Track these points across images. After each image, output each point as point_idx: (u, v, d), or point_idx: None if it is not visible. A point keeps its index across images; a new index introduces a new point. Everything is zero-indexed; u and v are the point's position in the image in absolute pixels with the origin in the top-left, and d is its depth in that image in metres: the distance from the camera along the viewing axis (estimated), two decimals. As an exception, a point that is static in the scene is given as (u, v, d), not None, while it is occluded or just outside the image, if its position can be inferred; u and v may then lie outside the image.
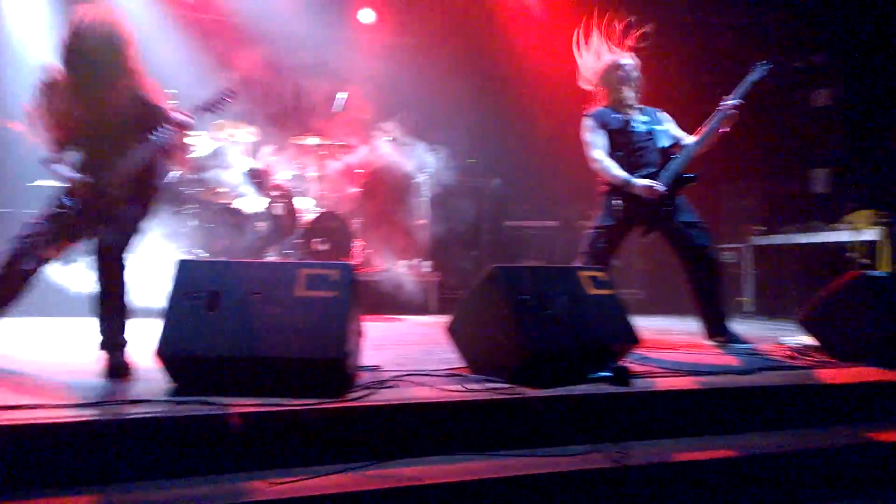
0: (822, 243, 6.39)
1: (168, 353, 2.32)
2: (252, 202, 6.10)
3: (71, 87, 2.97)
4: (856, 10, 7.01)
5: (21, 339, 3.94)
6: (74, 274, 5.43)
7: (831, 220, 6.41)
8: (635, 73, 4.00)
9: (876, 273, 3.41)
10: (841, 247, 6.11)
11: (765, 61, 3.85)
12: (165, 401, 2.16)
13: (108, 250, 2.83)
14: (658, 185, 3.72)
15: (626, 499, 2.06)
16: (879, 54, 6.83)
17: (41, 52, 6.87)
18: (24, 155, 6.36)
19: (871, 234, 5.78)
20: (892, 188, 6.10)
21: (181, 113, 3.11)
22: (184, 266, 2.55)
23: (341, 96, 6.96)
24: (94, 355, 2.73)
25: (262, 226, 6.07)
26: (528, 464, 2.09)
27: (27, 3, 6.85)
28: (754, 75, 3.83)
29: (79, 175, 2.98)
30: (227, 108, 3.42)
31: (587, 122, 4.02)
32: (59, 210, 2.99)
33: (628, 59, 4.01)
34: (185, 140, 3.36)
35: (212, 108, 3.30)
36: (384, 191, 7.44)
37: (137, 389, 2.34)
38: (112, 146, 2.99)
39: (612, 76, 3.99)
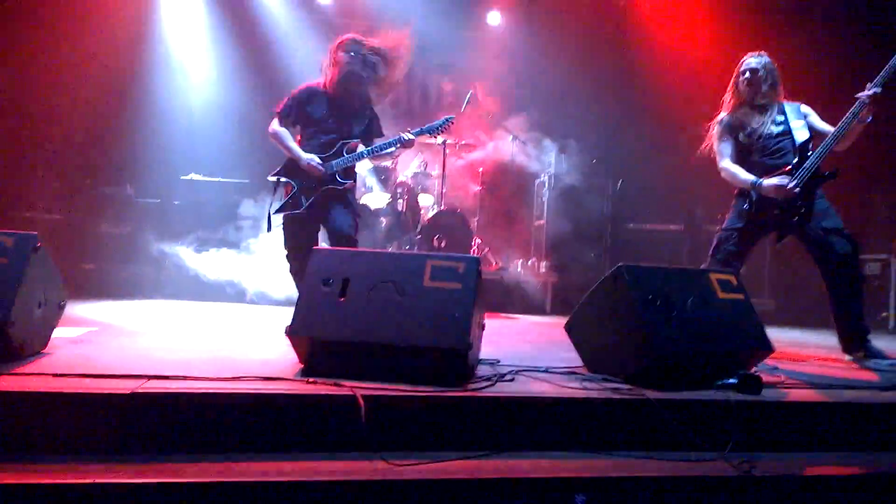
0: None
1: (300, 335, 2.46)
2: (376, 198, 6.37)
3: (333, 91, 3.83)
4: None
5: (167, 319, 4.39)
6: (208, 262, 5.96)
7: None
8: (763, 72, 3.81)
9: None
10: None
11: None
12: (296, 380, 2.29)
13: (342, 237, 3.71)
14: (790, 184, 3.53)
15: (750, 509, 2.00)
16: None
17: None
18: (174, 149, 7.09)
19: None
20: None
21: (407, 130, 3.89)
22: (317, 254, 2.71)
23: (467, 96, 7.08)
24: (235, 336, 2.99)
25: (384, 221, 6.32)
26: (646, 466, 2.08)
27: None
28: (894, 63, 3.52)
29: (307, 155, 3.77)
30: (444, 134, 4.26)
31: (715, 130, 3.93)
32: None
33: (755, 59, 3.83)
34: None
35: (432, 132, 4.06)
36: (505, 189, 7.51)
37: (272, 368, 2.49)
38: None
39: (739, 77, 3.85)
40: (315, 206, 3.77)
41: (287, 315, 2.54)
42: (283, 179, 3.83)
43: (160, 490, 1.75)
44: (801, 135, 3.71)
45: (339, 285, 2.55)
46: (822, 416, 2.39)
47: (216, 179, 6.71)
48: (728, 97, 3.93)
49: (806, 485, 2.07)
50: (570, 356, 2.95)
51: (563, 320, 3.00)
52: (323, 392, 2.16)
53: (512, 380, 2.51)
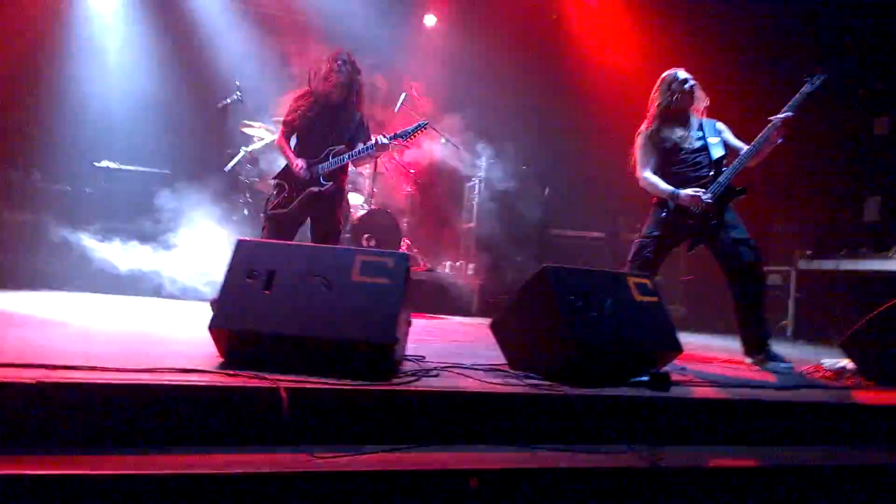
0: (871, 271, 6.28)
1: (221, 327, 2.40)
2: (352, 197, 6.27)
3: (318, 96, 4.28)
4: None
5: (76, 312, 4.18)
6: (122, 253, 5.72)
7: (881, 248, 6.29)
8: (688, 87, 4.03)
9: (924, 300, 3.36)
10: (891, 276, 6.00)
11: (818, 74, 3.82)
12: (216, 371, 2.23)
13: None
14: (704, 195, 3.75)
15: (657, 499, 2.10)
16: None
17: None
18: (88, 135, 6.76)
19: (922, 265, 5.68)
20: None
21: (382, 135, 4.24)
22: (242, 245, 2.63)
23: (402, 96, 7.09)
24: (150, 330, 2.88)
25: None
26: (563, 458, 2.15)
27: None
28: (808, 87, 3.82)
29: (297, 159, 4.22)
30: (416, 139, 4.67)
31: (639, 140, 4.10)
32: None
33: (683, 73, 4.05)
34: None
35: (406, 136, 4.42)
36: (436, 191, 7.57)
37: (190, 361, 2.40)
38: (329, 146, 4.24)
39: (666, 90, 4.04)
40: (300, 207, 4.22)
41: (207, 310, 2.48)
42: (278, 182, 4.32)
43: (68, 483, 1.67)
44: (716, 151, 3.95)
45: (264, 278, 2.51)
46: (724, 412, 2.55)
47: (133, 168, 6.43)
48: (652, 108, 4.10)
49: (707, 476, 2.21)
50: (494, 354, 3.02)
51: (488, 321, 3.07)
52: (244, 384, 2.11)
53: (437, 375, 2.54)
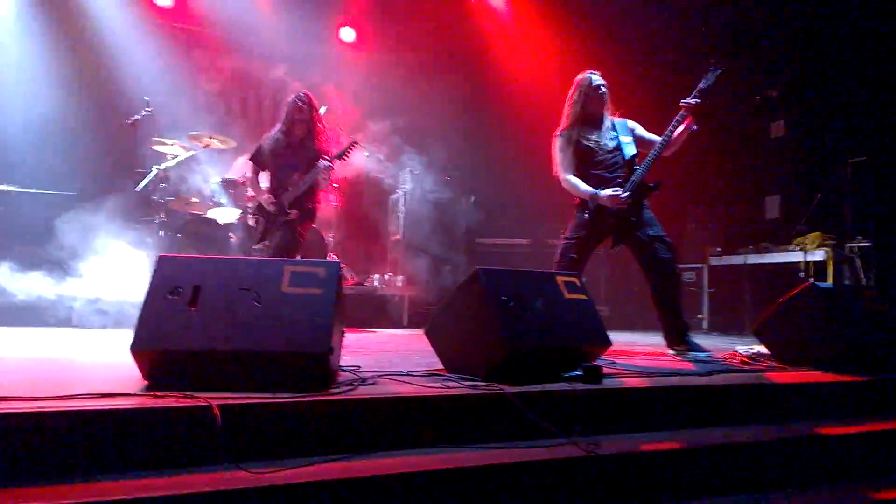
0: (774, 264, 6.72)
1: (144, 348, 2.29)
2: (225, 212, 6.10)
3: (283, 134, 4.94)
4: (807, 48, 7.46)
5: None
6: (21, 282, 5.37)
7: (782, 242, 6.75)
8: (601, 91, 4.18)
9: (822, 285, 3.62)
10: (791, 267, 6.43)
11: (715, 66, 4.05)
12: (141, 394, 2.13)
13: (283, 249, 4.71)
14: (623, 194, 3.91)
15: (597, 485, 2.16)
16: (826, 90, 7.27)
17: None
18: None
19: (818, 255, 6.13)
20: (837, 213, 6.47)
21: (322, 159, 4.82)
22: (164, 262, 2.53)
23: (321, 110, 7.03)
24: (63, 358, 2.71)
25: (234, 236, 6.07)
26: (504, 454, 2.17)
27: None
28: (708, 79, 4.04)
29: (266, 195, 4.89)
30: (351, 157, 5.19)
31: (556, 142, 4.22)
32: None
33: (596, 77, 4.21)
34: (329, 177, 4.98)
35: (342, 156, 5.01)
36: (361, 204, 7.52)
37: (111, 385, 2.27)
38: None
39: (580, 92, 4.18)
40: (272, 237, 4.82)
41: (124, 335, 2.36)
42: (255, 217, 4.96)
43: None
44: (629, 150, 4.13)
45: (189, 293, 2.43)
46: (653, 399, 2.65)
47: (35, 191, 6.06)
48: (568, 111, 4.24)
49: (641, 459, 2.28)
50: (430, 361, 3.02)
51: (419, 332, 3.07)
52: (174, 405, 2.02)
53: (374, 383, 2.51)
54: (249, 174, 5.06)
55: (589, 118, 4.18)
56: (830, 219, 6.52)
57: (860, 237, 6.23)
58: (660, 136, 4.10)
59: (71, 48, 7.01)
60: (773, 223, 7.70)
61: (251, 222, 5.03)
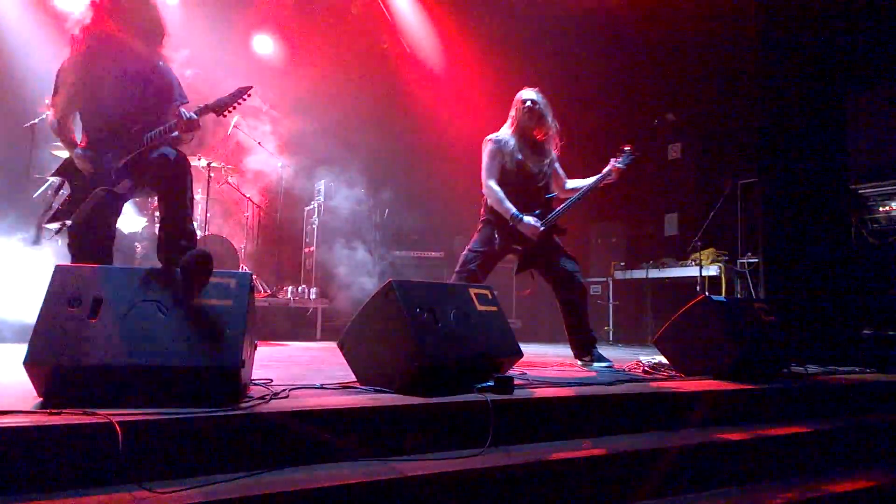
0: (673, 278, 7.13)
1: (40, 363, 2.16)
2: (130, 221, 5.83)
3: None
4: (700, 74, 7.99)
5: None
6: None
7: (680, 257, 7.17)
8: (531, 105, 4.25)
9: (717, 297, 3.87)
10: (688, 280, 6.84)
11: (631, 151, 4.36)
12: (36, 412, 2.01)
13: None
14: (541, 228, 4.05)
15: (508, 495, 2.22)
16: (719, 114, 7.82)
17: None
18: None
19: (713, 270, 6.55)
20: (729, 230, 6.94)
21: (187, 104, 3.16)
22: (61, 271, 2.39)
23: (233, 119, 6.86)
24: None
25: (139, 246, 5.80)
26: (418, 466, 2.19)
27: None
28: (623, 161, 4.32)
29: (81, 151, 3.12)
30: (238, 107, 3.26)
31: (489, 146, 4.22)
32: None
33: (528, 94, 4.29)
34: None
35: (221, 109, 3.16)
36: (274, 216, 7.37)
37: (2, 402, 2.14)
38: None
39: (514, 106, 4.27)
40: None
41: (15, 350, 2.22)
42: None
43: None
44: (550, 182, 4.29)
45: (90, 305, 2.31)
46: (562, 409, 2.75)
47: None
48: (510, 122, 4.29)
49: (551, 467, 2.36)
50: (343, 374, 3.01)
51: (333, 345, 3.04)
52: (71, 422, 1.91)
53: (286, 397, 2.47)
54: None
55: (522, 134, 4.25)
56: (724, 236, 6.98)
57: (750, 253, 6.70)
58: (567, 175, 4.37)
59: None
60: (671, 240, 8.16)
61: None
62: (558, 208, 4.18)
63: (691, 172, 8.25)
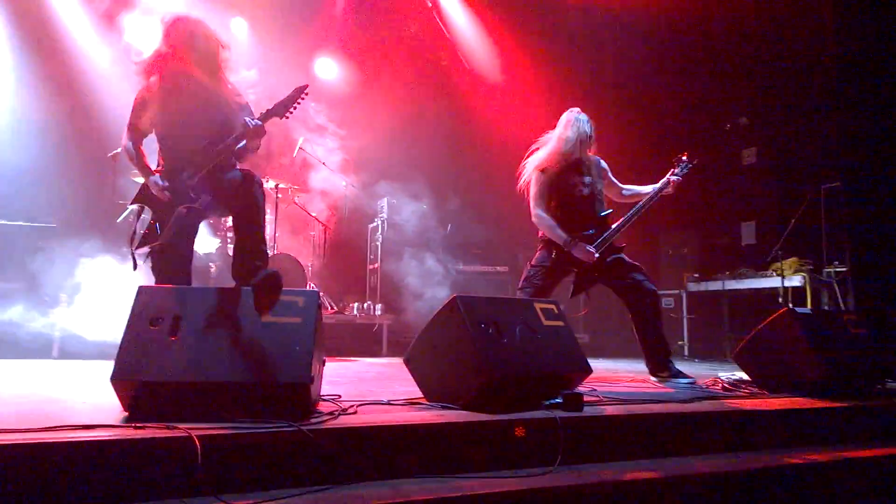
0: (752, 289, 6.82)
1: (125, 379, 2.28)
2: (205, 242, 6.08)
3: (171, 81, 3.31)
4: (774, 74, 7.68)
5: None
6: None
7: (759, 268, 6.85)
8: (591, 134, 4.21)
9: (801, 310, 3.67)
10: (769, 292, 6.53)
11: (688, 160, 4.26)
12: (122, 426, 2.11)
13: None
14: (596, 253, 3.97)
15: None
16: (796, 116, 7.47)
17: None
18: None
19: (796, 280, 6.23)
20: (812, 238, 6.59)
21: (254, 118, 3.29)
22: (143, 292, 2.53)
23: (299, 142, 7.09)
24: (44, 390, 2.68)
25: (213, 266, 6.04)
26: (487, 484, 2.17)
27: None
28: (681, 171, 4.23)
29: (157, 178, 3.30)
30: (298, 108, 3.36)
31: (535, 175, 4.21)
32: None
33: (586, 120, 4.23)
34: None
35: (283, 111, 3.28)
36: (339, 234, 7.54)
37: (92, 416, 2.26)
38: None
39: (570, 133, 4.18)
40: None
41: (104, 367, 2.34)
42: None
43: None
44: (603, 200, 4.20)
45: (169, 324, 2.42)
46: (635, 427, 2.65)
47: (15, 223, 6.01)
48: (553, 147, 4.20)
49: (624, 489, 2.28)
50: (409, 390, 3.02)
51: (399, 361, 3.06)
52: (154, 436, 2.00)
53: (354, 412, 2.51)
54: None
55: (572, 160, 4.18)
56: (807, 244, 6.64)
57: (837, 262, 6.34)
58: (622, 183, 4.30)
59: (54, 78, 7.03)
60: (749, 249, 7.82)
61: None
62: (613, 227, 4.09)
63: (769, 178, 7.90)
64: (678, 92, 8.37)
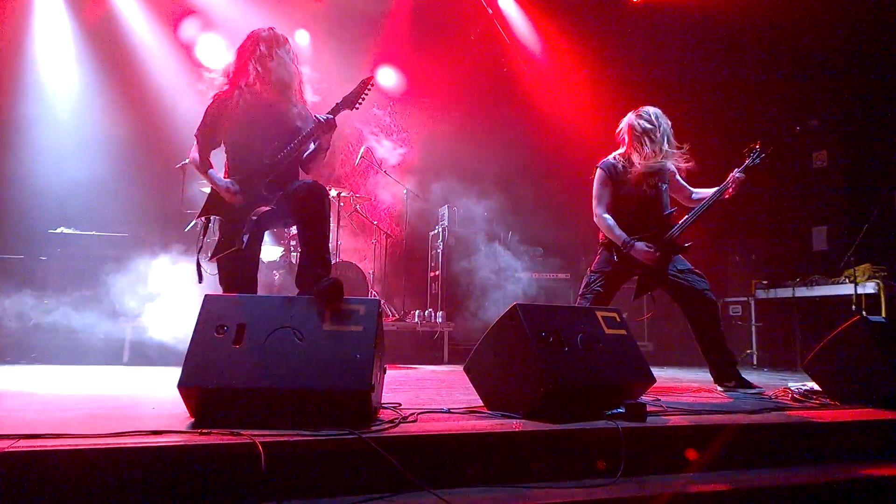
0: (824, 297, 6.52)
1: (192, 385, 2.34)
2: (269, 251, 6.23)
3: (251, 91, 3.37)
4: (843, 75, 7.36)
5: (38, 382, 4.03)
6: (76, 320, 5.54)
7: (831, 274, 6.55)
8: (662, 123, 4.06)
9: (874, 318, 3.49)
10: (841, 299, 6.23)
11: (758, 149, 4.05)
12: (188, 432, 2.17)
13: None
14: (656, 252, 3.87)
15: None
16: (868, 118, 7.13)
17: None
18: (41, 200, 6.64)
19: (870, 287, 5.93)
20: (888, 243, 6.26)
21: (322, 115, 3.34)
22: (209, 300, 2.60)
23: (360, 150, 7.19)
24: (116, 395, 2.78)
25: (278, 275, 6.18)
26: (552, 494, 2.14)
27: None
28: (749, 161, 4.03)
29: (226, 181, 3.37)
30: (366, 99, 3.43)
31: (599, 174, 4.13)
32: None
33: (652, 109, 4.11)
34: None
35: (352, 103, 3.36)
36: (400, 241, 7.60)
37: (159, 422, 2.34)
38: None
39: (636, 126, 4.08)
40: None
41: (171, 373, 2.41)
42: None
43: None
44: (667, 201, 4.09)
45: (234, 332, 2.48)
46: (700, 438, 2.57)
47: (90, 233, 6.32)
48: (632, 148, 4.08)
49: (688, 501, 2.21)
50: (469, 398, 3.01)
51: (459, 369, 3.06)
52: (219, 442, 2.05)
53: (415, 421, 2.51)
54: None
55: (636, 152, 4.06)
56: (881, 249, 6.32)
57: (914, 268, 6.01)
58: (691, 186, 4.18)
59: (125, 101, 7.38)
60: (820, 255, 7.49)
61: None
62: (676, 226, 3.97)
63: (840, 181, 7.56)
64: (748, 94, 8.12)
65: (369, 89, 3.39)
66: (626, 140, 4.12)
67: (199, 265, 3.42)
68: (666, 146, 4.01)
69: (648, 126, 4.03)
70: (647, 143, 4.00)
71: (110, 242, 6.26)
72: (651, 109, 4.11)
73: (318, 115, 3.34)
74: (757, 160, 4.02)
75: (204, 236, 3.51)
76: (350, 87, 3.39)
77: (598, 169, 4.14)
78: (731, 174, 3.98)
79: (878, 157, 7.05)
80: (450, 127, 8.33)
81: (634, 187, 4.04)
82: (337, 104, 3.34)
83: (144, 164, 7.19)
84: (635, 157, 4.04)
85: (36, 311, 5.57)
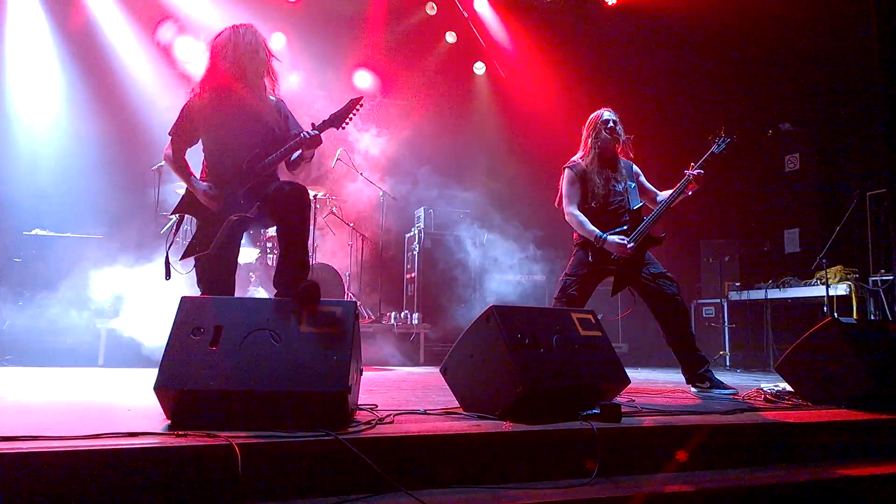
0: (796, 298, 6.65)
1: (168, 387, 2.33)
2: (245, 252, 6.19)
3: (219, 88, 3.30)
4: (816, 79, 7.51)
5: (10, 384, 3.96)
6: (50, 322, 5.46)
7: (804, 276, 6.68)
8: (613, 128, 4.19)
9: (846, 319, 3.57)
10: (814, 301, 6.36)
11: (723, 136, 4.12)
12: (165, 433, 2.15)
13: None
14: (629, 244, 3.93)
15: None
16: (840, 122, 7.29)
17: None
18: (14, 202, 6.54)
19: (842, 288, 6.06)
20: (858, 246, 6.40)
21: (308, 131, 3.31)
22: (186, 302, 2.58)
23: (336, 153, 7.18)
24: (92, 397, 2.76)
25: (254, 276, 6.15)
26: (518, 495, 2.16)
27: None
28: (715, 148, 4.11)
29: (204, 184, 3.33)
30: (354, 118, 3.42)
31: (565, 174, 4.22)
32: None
33: (608, 114, 4.24)
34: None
35: (339, 122, 3.34)
36: (376, 243, 7.59)
37: (136, 424, 2.30)
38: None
39: (593, 129, 4.21)
40: None
41: (147, 375, 2.40)
42: None
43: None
44: (635, 200, 4.16)
45: (210, 334, 2.47)
46: (675, 439, 2.61)
47: (65, 235, 6.23)
48: (582, 146, 4.25)
49: (662, 501, 2.25)
50: (446, 399, 3.03)
51: (436, 370, 3.07)
52: (196, 443, 2.04)
53: (392, 422, 2.52)
54: None
55: (603, 158, 4.20)
56: (853, 252, 6.46)
57: (884, 270, 6.15)
58: (657, 188, 4.25)
59: (101, 103, 7.28)
60: (793, 257, 7.64)
61: None
62: (644, 221, 4.04)
63: (812, 184, 7.71)
64: (720, 97, 8.25)
65: (357, 110, 3.38)
66: (591, 138, 4.22)
67: (167, 262, 3.38)
68: (624, 137, 4.17)
69: (612, 124, 4.18)
70: (613, 138, 4.17)
71: (86, 244, 6.18)
72: (604, 109, 4.25)
73: (304, 132, 3.30)
74: (723, 146, 4.09)
75: (175, 234, 3.48)
76: (327, 91, 3.39)
77: (566, 169, 4.23)
78: (688, 172, 4.04)
79: (850, 159, 7.21)
80: (426, 129, 8.35)
81: (603, 185, 4.12)
82: (324, 121, 3.32)
83: (119, 165, 7.10)
84: (598, 154, 4.17)
85: (10, 312, 5.48)
